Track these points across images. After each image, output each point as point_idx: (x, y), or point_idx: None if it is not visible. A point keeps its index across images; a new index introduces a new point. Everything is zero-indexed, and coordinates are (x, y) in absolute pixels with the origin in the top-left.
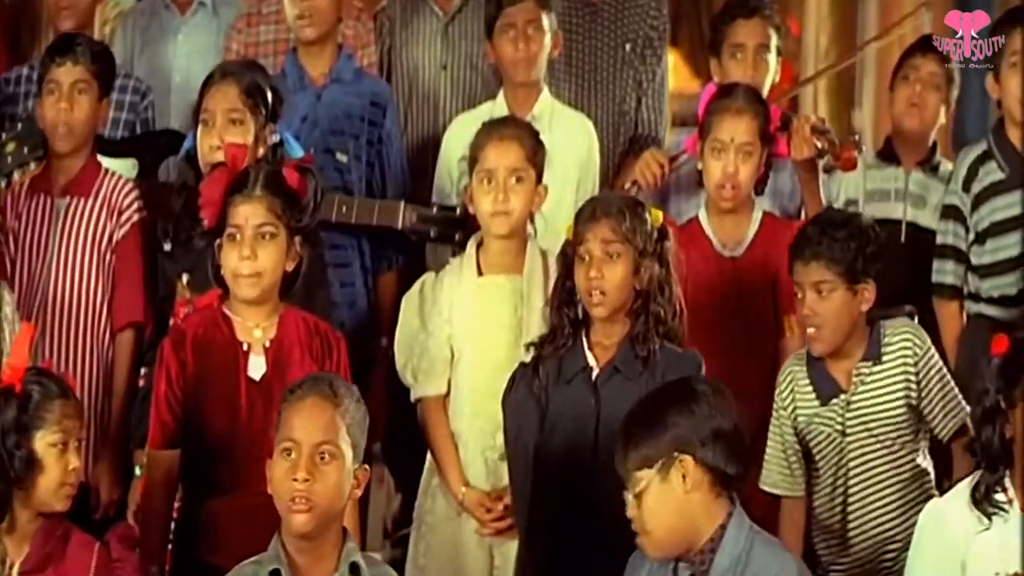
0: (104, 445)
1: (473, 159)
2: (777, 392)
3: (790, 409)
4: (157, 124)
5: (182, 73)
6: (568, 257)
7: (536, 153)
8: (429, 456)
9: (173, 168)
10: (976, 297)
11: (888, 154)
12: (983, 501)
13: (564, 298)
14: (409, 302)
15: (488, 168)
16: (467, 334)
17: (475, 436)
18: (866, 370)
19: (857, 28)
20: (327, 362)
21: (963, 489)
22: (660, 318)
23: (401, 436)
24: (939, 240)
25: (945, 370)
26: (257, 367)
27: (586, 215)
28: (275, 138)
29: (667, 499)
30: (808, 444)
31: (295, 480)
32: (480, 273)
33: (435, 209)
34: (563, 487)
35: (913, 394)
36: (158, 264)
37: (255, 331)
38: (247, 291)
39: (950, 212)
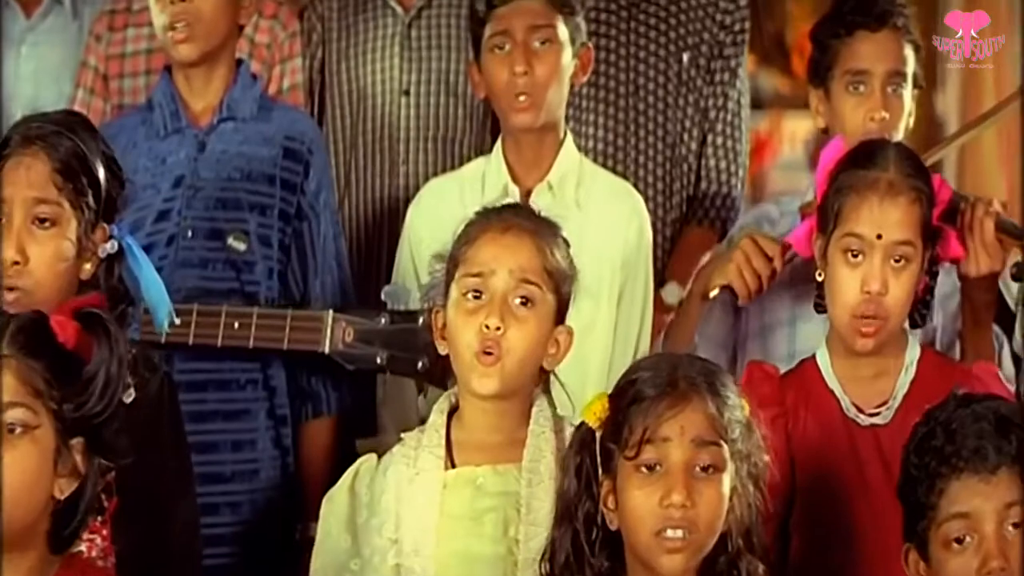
0: None
1: (454, 260)
2: None
3: None
4: None
5: (26, 102)
6: (591, 457)
7: (562, 269)
8: None
9: None
10: None
11: None
12: None
13: (585, 537)
14: (333, 508)
15: (478, 272)
16: (427, 565)
17: None
18: None
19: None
20: None
21: None
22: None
23: None
24: None
25: None
26: None
27: (658, 390)
28: (111, 247)
29: None
30: None
31: None
32: (451, 462)
33: (385, 319)
34: None
35: None
36: None
37: None
38: None
39: None
